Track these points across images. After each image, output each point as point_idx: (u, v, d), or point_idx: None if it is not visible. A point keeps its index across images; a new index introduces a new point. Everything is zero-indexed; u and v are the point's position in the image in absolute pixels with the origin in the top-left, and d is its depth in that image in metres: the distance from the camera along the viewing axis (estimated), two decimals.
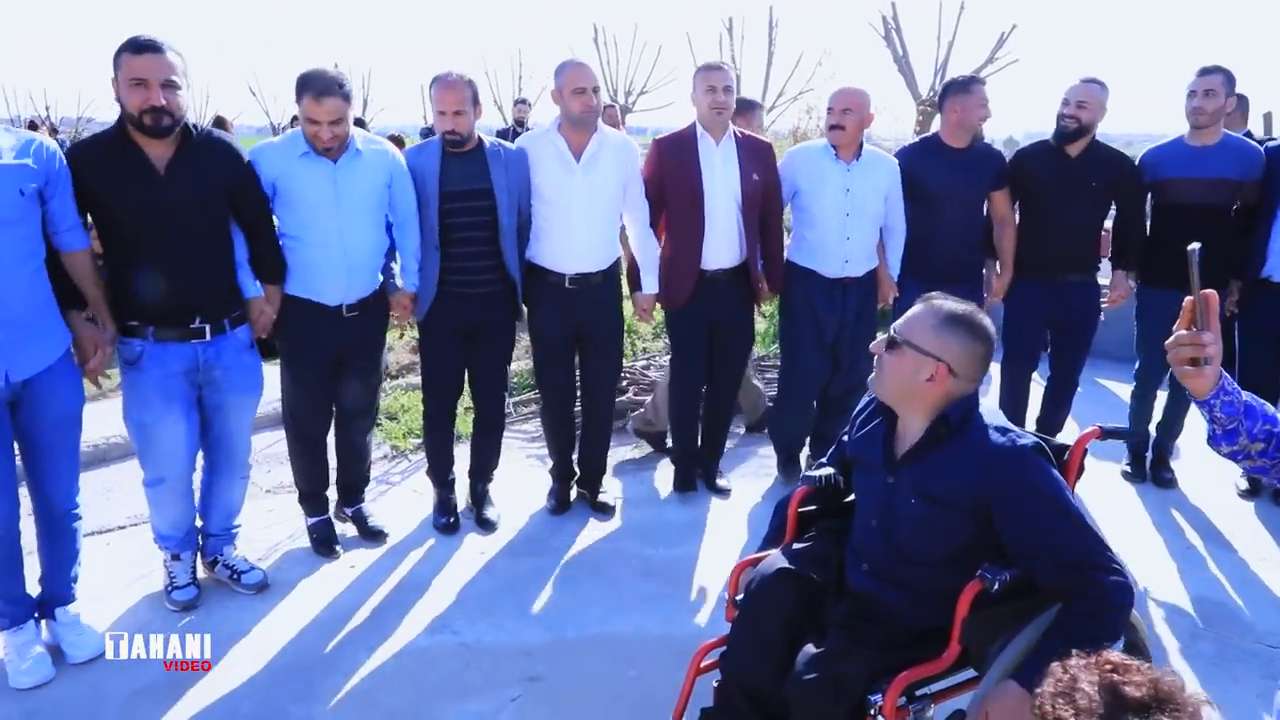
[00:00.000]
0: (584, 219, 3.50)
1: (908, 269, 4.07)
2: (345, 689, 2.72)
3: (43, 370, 2.60)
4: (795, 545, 2.23)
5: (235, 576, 3.24)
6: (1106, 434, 2.12)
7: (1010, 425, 1.96)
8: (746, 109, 4.44)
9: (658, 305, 3.87)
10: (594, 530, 3.78)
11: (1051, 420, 4.31)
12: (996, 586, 1.82)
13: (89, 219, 2.76)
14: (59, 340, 2.66)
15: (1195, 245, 1.33)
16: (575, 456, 3.99)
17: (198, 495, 3.22)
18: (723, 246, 3.73)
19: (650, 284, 3.78)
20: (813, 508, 2.35)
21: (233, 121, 12.20)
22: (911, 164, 4.01)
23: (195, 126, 2.82)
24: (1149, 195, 4.04)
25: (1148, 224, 4.08)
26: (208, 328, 2.91)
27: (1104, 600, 1.74)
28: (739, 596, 2.19)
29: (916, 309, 2.00)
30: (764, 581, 2.11)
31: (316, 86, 2.98)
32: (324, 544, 3.52)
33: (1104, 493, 4.13)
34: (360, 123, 11.87)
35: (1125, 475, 4.34)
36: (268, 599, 3.21)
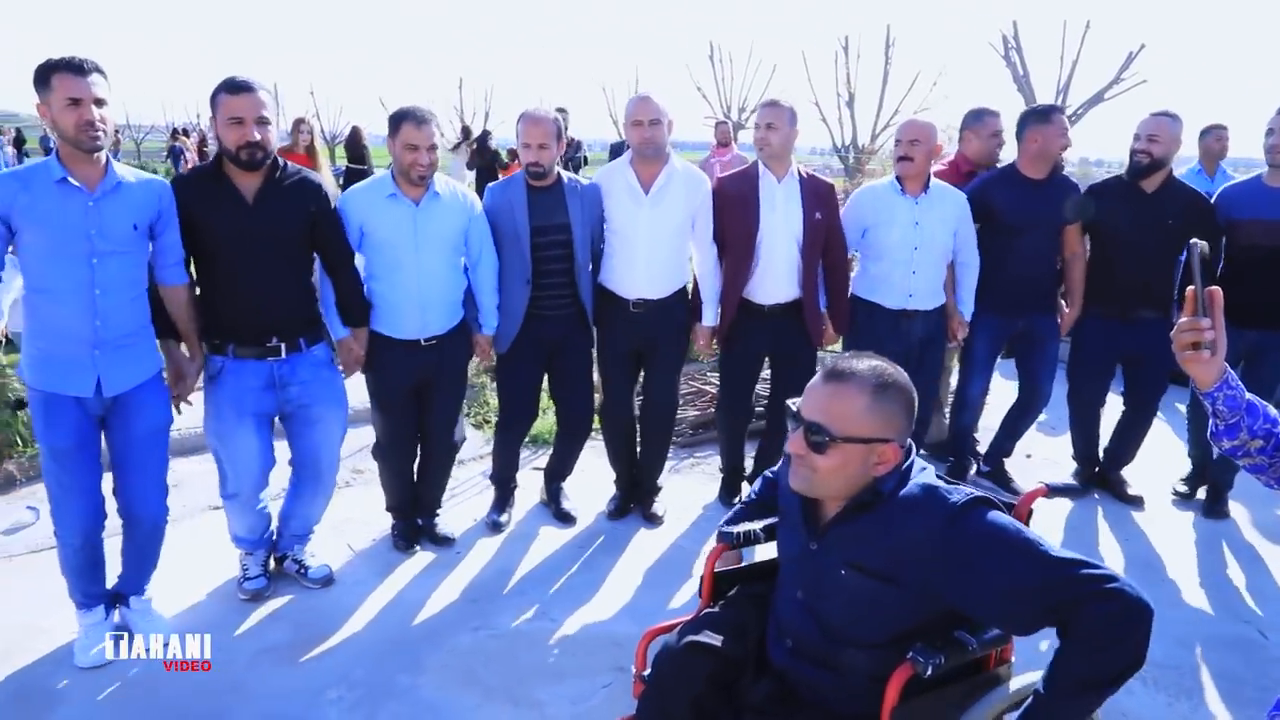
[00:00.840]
0: (647, 250, 3.60)
1: (982, 302, 4.04)
2: (449, 664, 2.90)
3: (135, 387, 2.81)
4: (711, 611, 1.95)
5: (302, 571, 3.40)
6: (1054, 492, 1.99)
7: (940, 481, 1.71)
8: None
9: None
10: (677, 535, 3.89)
11: (1119, 453, 4.27)
12: (930, 671, 1.58)
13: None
14: (152, 362, 2.88)
15: (1195, 241, 1.42)
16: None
17: (279, 505, 3.42)
18: (780, 282, 3.75)
19: (709, 315, 3.83)
20: (734, 566, 2.08)
21: (366, 130, 12.67)
22: (988, 193, 3.99)
23: (284, 163, 3.03)
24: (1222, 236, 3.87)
25: (1219, 265, 3.90)
26: (283, 346, 3.06)
27: (1113, 629, 1.45)
28: (646, 672, 1.92)
29: (830, 390, 1.67)
30: (672, 657, 1.82)
31: (416, 116, 3.20)
32: (403, 539, 3.70)
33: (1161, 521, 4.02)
34: (486, 135, 12.25)
35: (1177, 497, 4.35)
36: (378, 580, 3.44)
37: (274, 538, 3.43)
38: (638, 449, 4.04)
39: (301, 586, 3.35)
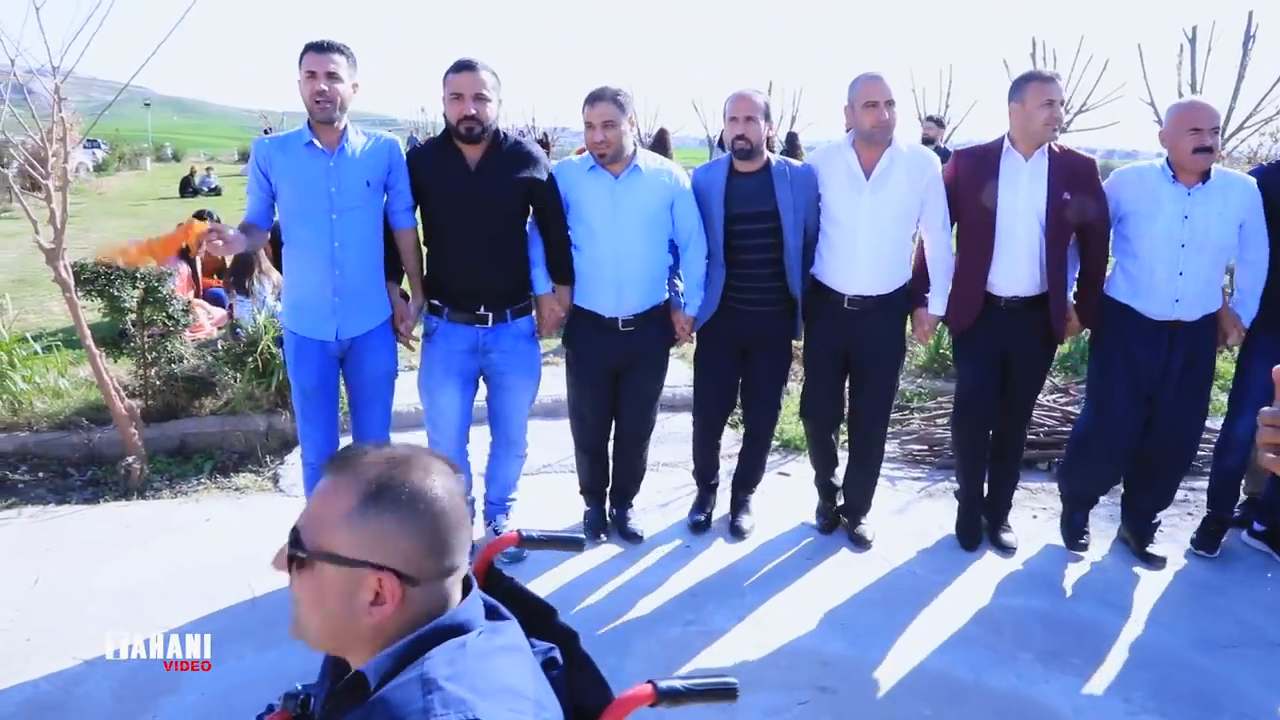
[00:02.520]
0: (868, 240, 3.37)
1: (1266, 317, 3.41)
2: (654, 653, 2.98)
3: (365, 333, 3.20)
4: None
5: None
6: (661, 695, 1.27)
7: (449, 678, 1.02)
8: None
9: (941, 327, 3.62)
10: (929, 563, 3.68)
11: None
12: None
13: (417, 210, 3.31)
14: (382, 310, 3.27)
15: None
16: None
17: (483, 467, 3.67)
18: (1019, 272, 3.40)
19: (937, 305, 3.52)
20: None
21: (674, 133, 13.17)
22: (1270, 185, 3.36)
23: (505, 135, 3.24)
24: None
25: None
26: (490, 315, 3.29)
27: None
28: None
29: (322, 484, 1.15)
30: None
31: (593, 94, 3.28)
32: (593, 528, 3.77)
33: None
34: (793, 137, 12.19)
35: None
36: (598, 558, 3.61)
37: (482, 506, 3.68)
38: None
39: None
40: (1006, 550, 3.72)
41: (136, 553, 3.58)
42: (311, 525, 1.13)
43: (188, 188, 21.73)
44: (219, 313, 6.67)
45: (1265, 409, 1.07)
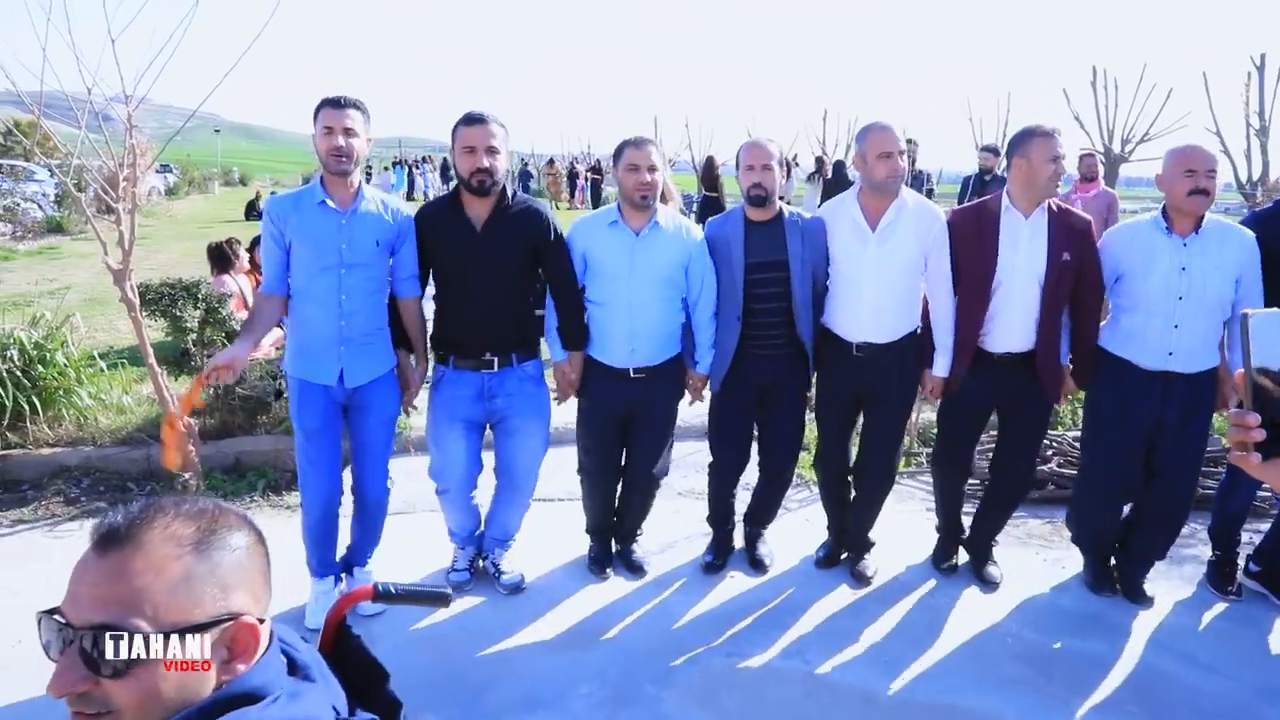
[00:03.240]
0: (873, 291, 3.36)
1: None
2: (695, 684, 2.96)
3: (371, 381, 3.22)
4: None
5: (497, 575, 3.59)
6: (379, 595, 1.34)
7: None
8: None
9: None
10: (974, 599, 3.60)
11: None
12: None
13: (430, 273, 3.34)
14: (386, 361, 3.27)
15: (1248, 311, 1.04)
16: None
17: (486, 508, 3.65)
18: (1014, 331, 3.36)
19: (941, 365, 3.47)
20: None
21: (724, 164, 13.23)
22: (1268, 233, 3.27)
23: (515, 194, 3.27)
24: None
25: None
26: (496, 360, 3.30)
27: None
28: None
29: (119, 565, 0.95)
30: None
31: (638, 138, 3.32)
32: (597, 564, 3.74)
33: None
34: (840, 166, 12.15)
35: None
36: (639, 584, 3.60)
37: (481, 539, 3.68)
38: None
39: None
40: (989, 585, 3.69)
41: None
42: (129, 611, 0.92)
43: (253, 210, 22.32)
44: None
45: (1232, 409, 1.10)
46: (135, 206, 4.20)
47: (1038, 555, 3.97)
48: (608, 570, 3.74)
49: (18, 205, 15.50)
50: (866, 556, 3.78)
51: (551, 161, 31.85)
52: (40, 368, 4.79)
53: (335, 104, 3.00)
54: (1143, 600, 3.57)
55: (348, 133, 3.00)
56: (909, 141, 10.35)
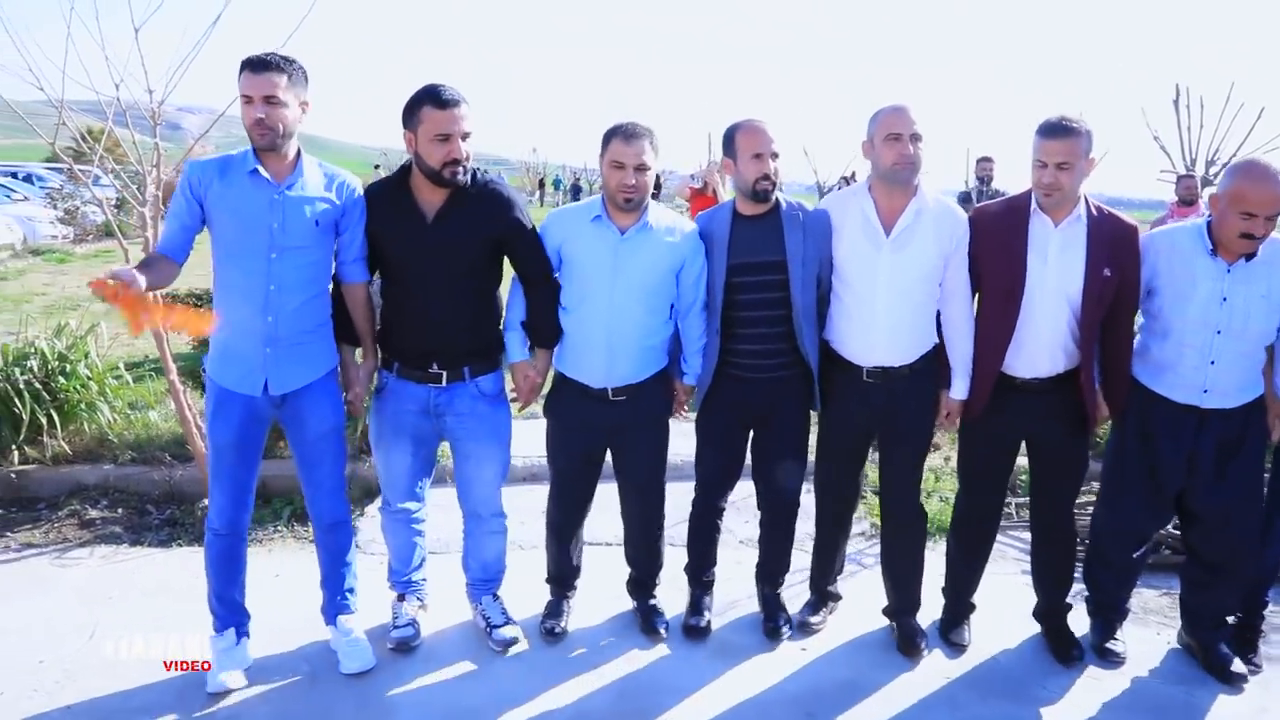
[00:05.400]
0: (887, 306, 2.88)
1: None
2: None
3: (302, 387, 2.75)
4: None
5: (489, 629, 3.12)
6: None
7: None
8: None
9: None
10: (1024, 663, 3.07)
11: None
12: None
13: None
14: (324, 361, 2.81)
15: None
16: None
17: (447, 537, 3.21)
18: (1042, 352, 2.89)
19: (959, 388, 3.01)
20: None
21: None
22: None
23: (475, 175, 2.79)
24: None
25: None
26: (444, 374, 2.87)
27: None
28: None
29: None
30: None
31: (627, 130, 2.84)
32: (553, 617, 3.23)
33: None
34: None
35: None
36: (647, 658, 3.15)
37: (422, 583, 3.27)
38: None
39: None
40: (958, 649, 3.17)
41: (198, 608, 3.29)
42: None
43: None
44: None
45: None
46: (159, 212, 3.91)
47: (1159, 635, 3.39)
48: (558, 630, 3.19)
49: (78, 209, 15.66)
50: (913, 620, 3.21)
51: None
52: (61, 379, 4.53)
53: (254, 66, 2.54)
54: (1234, 681, 2.97)
55: (269, 101, 2.54)
56: (983, 159, 9.81)
